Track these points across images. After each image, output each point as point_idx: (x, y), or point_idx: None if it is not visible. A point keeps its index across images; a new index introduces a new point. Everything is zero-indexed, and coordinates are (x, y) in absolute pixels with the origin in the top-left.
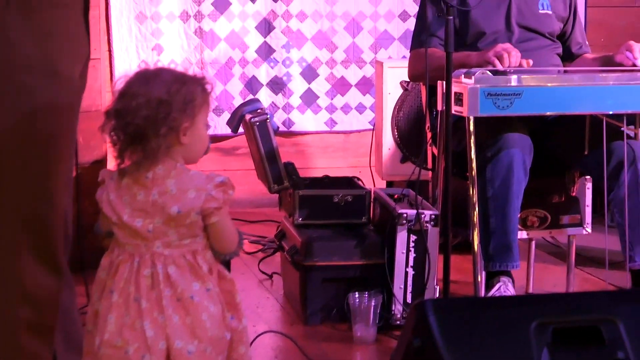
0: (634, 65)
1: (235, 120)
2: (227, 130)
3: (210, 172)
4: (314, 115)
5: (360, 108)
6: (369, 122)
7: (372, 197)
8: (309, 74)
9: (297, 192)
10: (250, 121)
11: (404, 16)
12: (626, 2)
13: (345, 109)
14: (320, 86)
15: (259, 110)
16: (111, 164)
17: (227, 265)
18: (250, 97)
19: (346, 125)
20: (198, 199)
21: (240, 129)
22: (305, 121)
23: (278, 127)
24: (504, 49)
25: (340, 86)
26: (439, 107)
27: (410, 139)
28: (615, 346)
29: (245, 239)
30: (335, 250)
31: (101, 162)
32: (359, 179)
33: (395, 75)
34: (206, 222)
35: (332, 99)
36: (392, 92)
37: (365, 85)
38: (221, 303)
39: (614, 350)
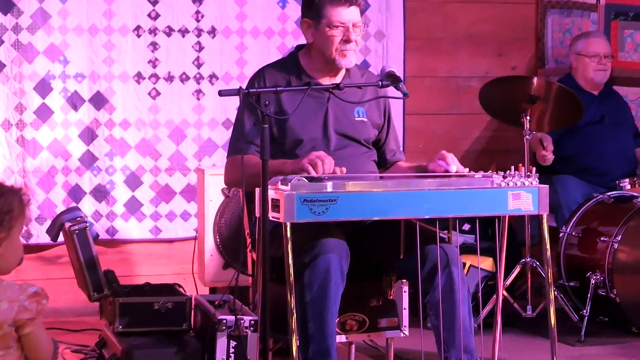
0: (447, 171)
1: (55, 228)
2: (49, 239)
3: (24, 282)
4: (138, 223)
5: (185, 215)
6: (194, 230)
7: (193, 304)
8: (133, 181)
9: (117, 300)
10: (69, 229)
11: (227, 124)
12: (442, 110)
13: (170, 216)
14: (144, 194)
15: (78, 219)
16: None
17: None
18: (73, 204)
19: (171, 233)
20: (11, 310)
21: (61, 237)
22: (129, 229)
23: (98, 235)
24: (317, 156)
25: (165, 194)
26: (257, 214)
27: (231, 245)
28: None
29: (67, 348)
30: (156, 357)
31: None
32: (180, 285)
33: (217, 182)
34: (20, 333)
35: (156, 206)
36: (213, 199)
37: (189, 193)
38: None
39: None
